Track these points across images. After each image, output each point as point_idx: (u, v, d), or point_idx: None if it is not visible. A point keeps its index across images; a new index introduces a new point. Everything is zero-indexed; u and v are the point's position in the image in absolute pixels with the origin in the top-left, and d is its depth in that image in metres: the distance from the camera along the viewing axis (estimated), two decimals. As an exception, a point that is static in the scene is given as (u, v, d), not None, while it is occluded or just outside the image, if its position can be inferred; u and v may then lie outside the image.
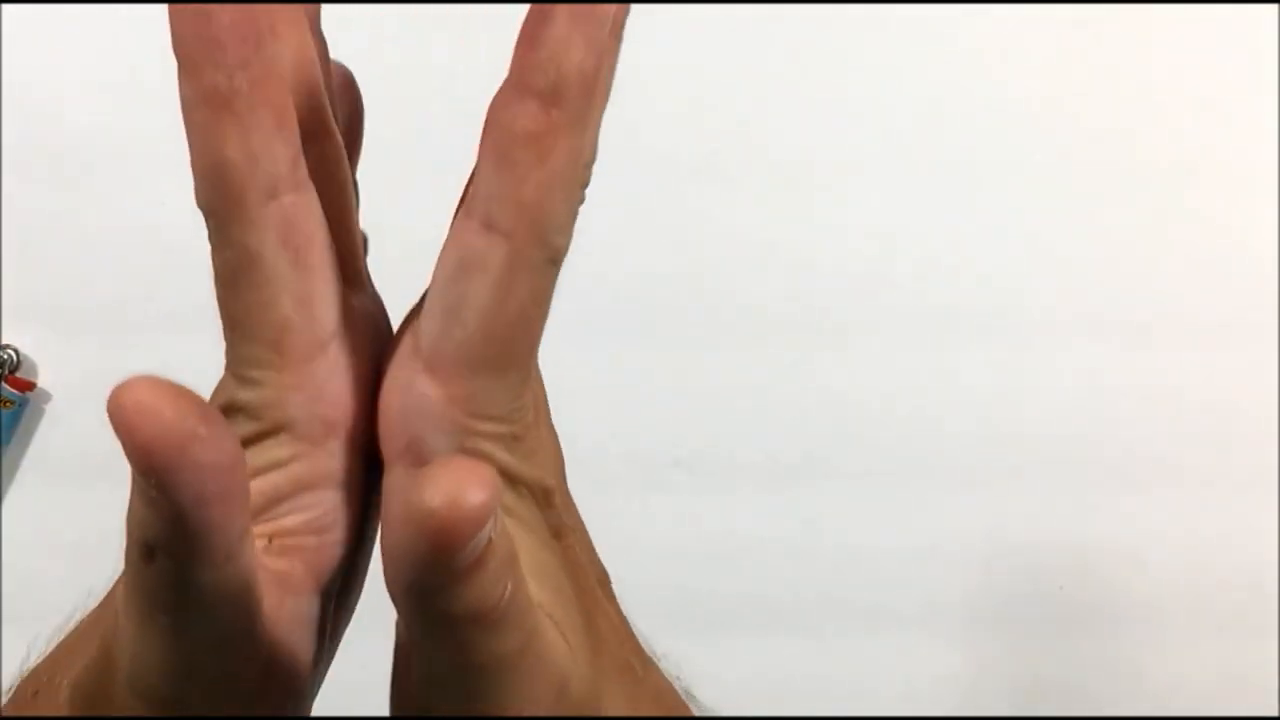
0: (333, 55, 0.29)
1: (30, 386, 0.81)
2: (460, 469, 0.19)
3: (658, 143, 0.82)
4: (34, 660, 0.29)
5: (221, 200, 0.23)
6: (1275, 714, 0.77)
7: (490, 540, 0.20)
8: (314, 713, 0.28)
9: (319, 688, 0.29)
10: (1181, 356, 0.82)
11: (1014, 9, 0.85)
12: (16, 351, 0.82)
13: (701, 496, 0.80)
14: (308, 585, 0.25)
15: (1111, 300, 0.83)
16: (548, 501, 0.27)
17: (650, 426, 0.80)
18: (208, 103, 0.22)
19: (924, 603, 0.80)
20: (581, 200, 0.24)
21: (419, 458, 0.24)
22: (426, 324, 0.24)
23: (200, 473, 0.19)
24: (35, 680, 0.28)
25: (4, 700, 0.29)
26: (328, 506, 0.25)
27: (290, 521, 0.25)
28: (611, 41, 0.23)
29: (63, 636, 0.29)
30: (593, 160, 0.24)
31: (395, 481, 0.25)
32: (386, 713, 0.28)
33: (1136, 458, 0.81)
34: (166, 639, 0.22)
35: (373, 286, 0.27)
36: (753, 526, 0.79)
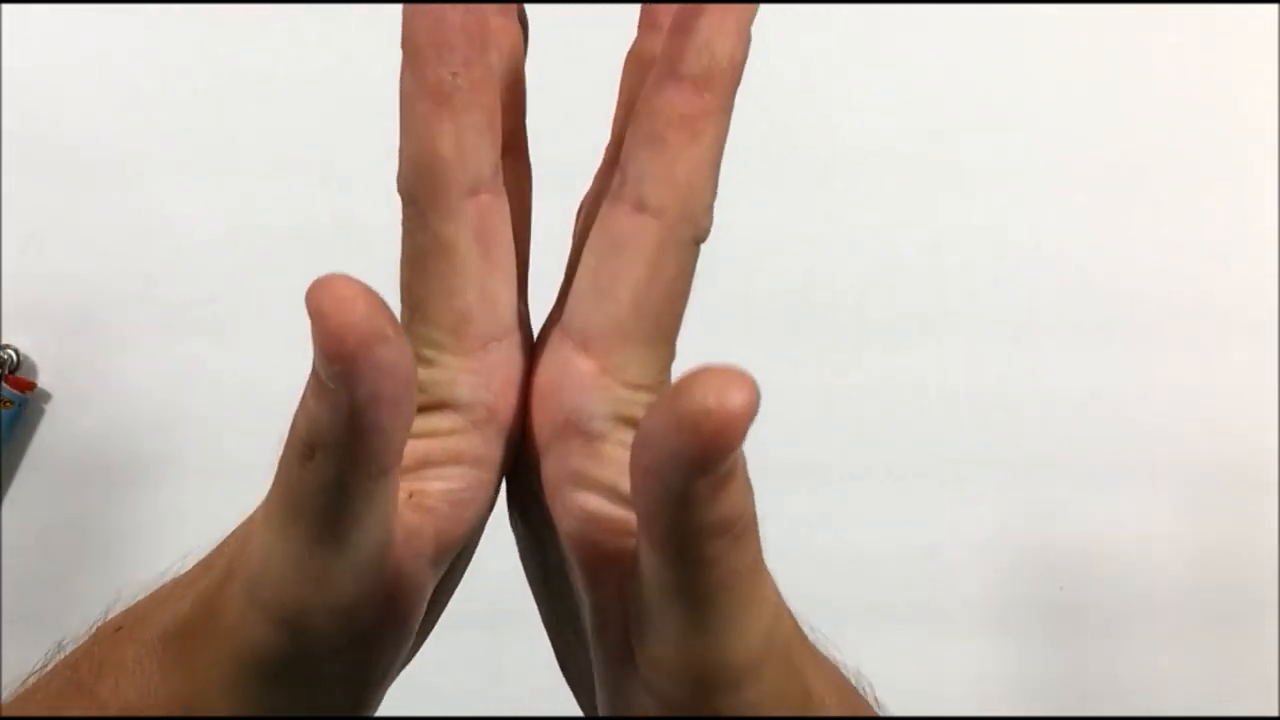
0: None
1: (30, 386, 0.81)
2: (723, 372, 0.20)
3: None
4: (118, 609, 0.29)
5: (427, 188, 0.24)
6: (1275, 714, 0.77)
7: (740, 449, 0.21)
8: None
9: (394, 676, 0.29)
10: (1181, 356, 0.82)
11: (1014, 10, 0.85)
12: (16, 351, 0.82)
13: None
14: (429, 550, 0.26)
15: (1111, 300, 0.83)
16: None
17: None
18: (429, 96, 0.24)
19: (923, 603, 0.80)
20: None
21: (578, 430, 0.25)
22: (577, 304, 0.26)
23: (381, 371, 0.20)
24: (120, 618, 0.28)
25: (81, 642, 0.29)
26: (469, 483, 0.26)
27: (433, 485, 0.26)
28: (751, 29, 0.24)
29: (153, 588, 0.29)
30: None
31: (557, 461, 0.26)
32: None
33: (1137, 457, 0.81)
34: (304, 547, 0.23)
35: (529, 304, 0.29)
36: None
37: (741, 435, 0.20)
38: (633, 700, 0.25)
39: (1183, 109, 0.85)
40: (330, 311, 0.20)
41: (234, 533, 0.27)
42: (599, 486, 0.25)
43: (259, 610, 0.24)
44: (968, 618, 0.80)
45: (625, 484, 0.24)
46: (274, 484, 0.23)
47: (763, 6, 0.25)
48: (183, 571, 0.28)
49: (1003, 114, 0.85)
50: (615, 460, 0.25)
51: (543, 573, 0.29)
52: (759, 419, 0.19)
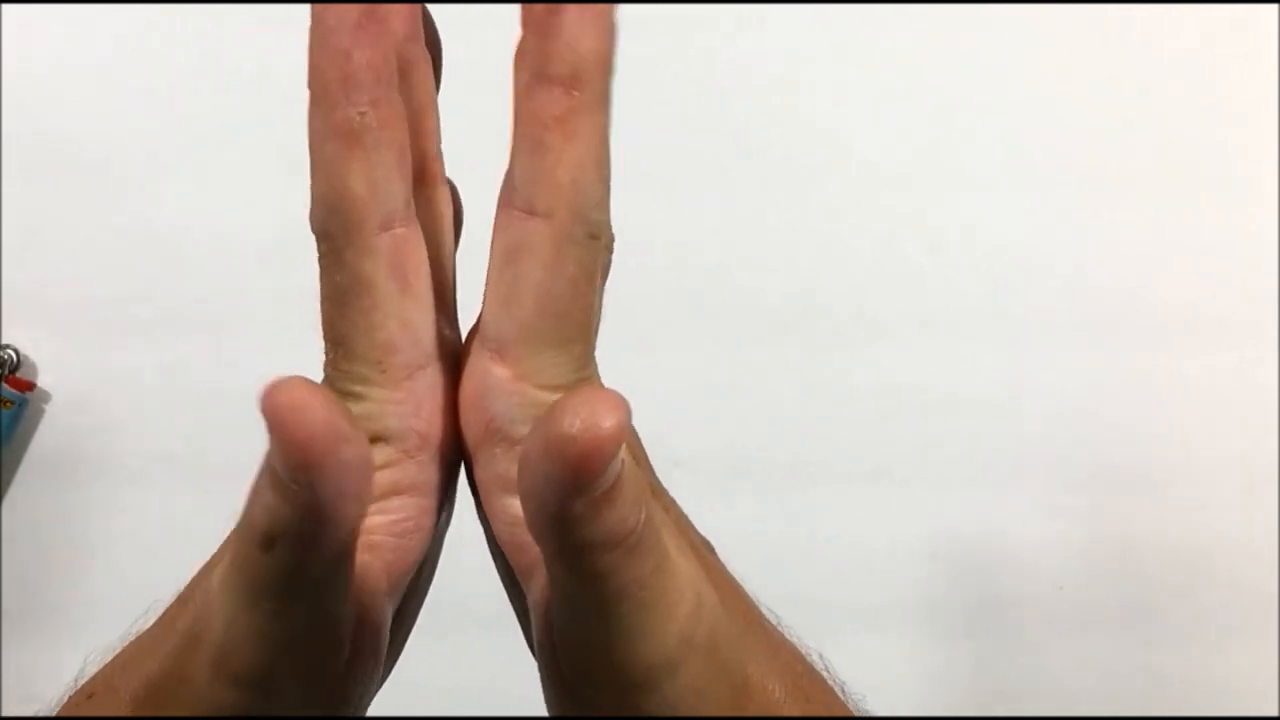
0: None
1: (30, 386, 0.81)
2: (591, 397, 0.20)
3: (655, 143, 0.82)
4: (90, 670, 0.29)
5: (340, 227, 0.24)
6: (1275, 714, 0.77)
7: (624, 464, 0.21)
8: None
9: (371, 699, 0.29)
10: (1182, 356, 0.82)
11: (1013, 11, 0.85)
12: (16, 351, 0.82)
13: (701, 496, 0.79)
14: (383, 586, 0.26)
15: (1110, 300, 0.83)
16: (636, 461, 0.27)
17: (650, 426, 0.80)
18: (339, 135, 0.24)
19: (923, 603, 0.80)
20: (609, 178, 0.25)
21: (501, 436, 0.26)
22: (487, 314, 0.26)
23: (345, 471, 0.20)
24: (92, 685, 0.28)
25: (55, 709, 0.29)
26: (410, 512, 0.27)
27: (375, 521, 0.26)
28: (615, 21, 0.24)
29: (120, 649, 0.29)
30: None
31: (484, 467, 0.26)
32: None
33: (1137, 457, 0.81)
34: (267, 622, 0.23)
35: (459, 324, 0.29)
36: (753, 526, 0.79)
37: (608, 460, 0.20)
38: (560, 699, 0.26)
39: (1182, 110, 0.85)
40: (289, 421, 0.20)
41: (194, 585, 0.27)
42: None
43: (228, 679, 0.24)
44: (967, 617, 0.80)
45: None
46: (232, 564, 0.23)
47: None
48: (146, 628, 0.28)
49: (1002, 116, 0.85)
50: None
51: (503, 568, 0.30)
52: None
